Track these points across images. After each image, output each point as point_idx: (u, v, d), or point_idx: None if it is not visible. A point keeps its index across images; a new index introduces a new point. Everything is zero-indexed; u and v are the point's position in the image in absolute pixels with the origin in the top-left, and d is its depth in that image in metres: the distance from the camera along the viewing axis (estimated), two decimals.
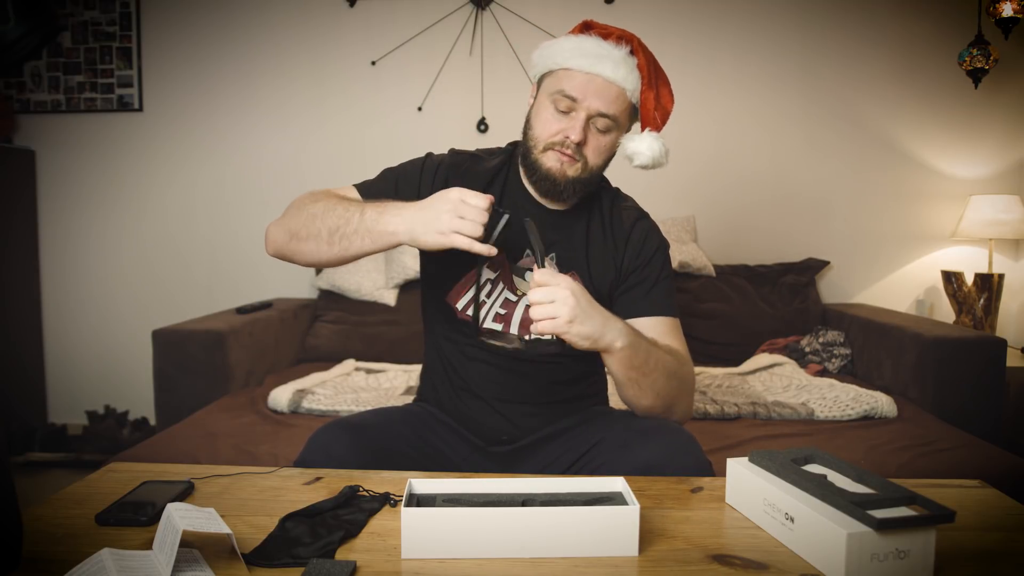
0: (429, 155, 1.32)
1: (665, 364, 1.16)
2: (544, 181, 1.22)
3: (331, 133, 3.09)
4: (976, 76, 2.65)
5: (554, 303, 1.03)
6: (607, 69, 1.17)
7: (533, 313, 1.04)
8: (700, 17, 2.99)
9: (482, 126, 3.02)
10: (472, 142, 3.01)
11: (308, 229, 1.16)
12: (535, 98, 1.26)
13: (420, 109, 3.05)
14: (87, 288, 3.18)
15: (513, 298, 1.24)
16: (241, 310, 2.49)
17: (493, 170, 1.30)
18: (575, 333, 1.04)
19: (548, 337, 1.20)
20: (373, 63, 3.05)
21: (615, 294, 1.28)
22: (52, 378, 3.19)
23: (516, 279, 1.24)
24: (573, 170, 1.20)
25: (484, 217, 1.02)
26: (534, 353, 1.10)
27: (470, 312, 1.25)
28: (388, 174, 1.30)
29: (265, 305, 2.61)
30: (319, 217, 1.15)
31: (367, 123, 3.08)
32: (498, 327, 1.25)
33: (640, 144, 1.20)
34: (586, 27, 1.24)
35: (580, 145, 1.19)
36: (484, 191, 1.26)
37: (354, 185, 1.29)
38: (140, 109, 3.12)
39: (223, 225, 3.14)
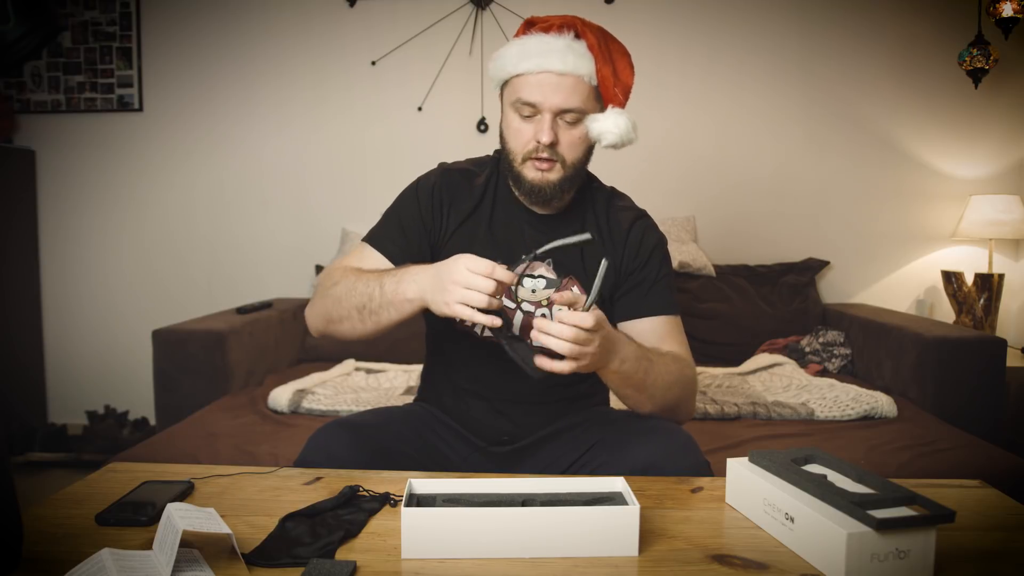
0: (419, 180, 1.32)
1: (664, 376, 1.16)
2: (531, 193, 1.22)
3: (331, 133, 3.09)
4: (976, 76, 2.65)
5: (586, 348, 1.00)
6: (555, 63, 1.15)
7: (560, 346, 0.98)
8: (700, 17, 2.99)
9: (482, 126, 3.02)
10: (472, 142, 3.03)
11: (339, 312, 1.18)
12: (502, 110, 1.26)
13: (420, 109, 3.05)
14: (87, 288, 3.18)
15: (511, 305, 1.24)
16: (241, 310, 2.49)
17: (482, 186, 1.30)
18: (583, 368, 1.03)
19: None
20: (373, 63, 3.05)
21: (615, 296, 1.28)
22: (52, 378, 3.19)
23: (514, 287, 1.24)
24: (554, 173, 1.20)
25: (491, 287, 0.99)
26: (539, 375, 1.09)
27: (467, 323, 1.24)
28: (391, 216, 1.30)
29: (265, 305, 2.61)
30: (344, 299, 1.16)
31: (367, 123, 3.08)
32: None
33: (605, 123, 1.18)
34: (528, 25, 1.23)
35: (553, 145, 1.18)
36: (476, 208, 1.27)
37: (364, 240, 1.28)
38: (140, 109, 3.12)
39: (223, 225, 3.14)
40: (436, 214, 1.27)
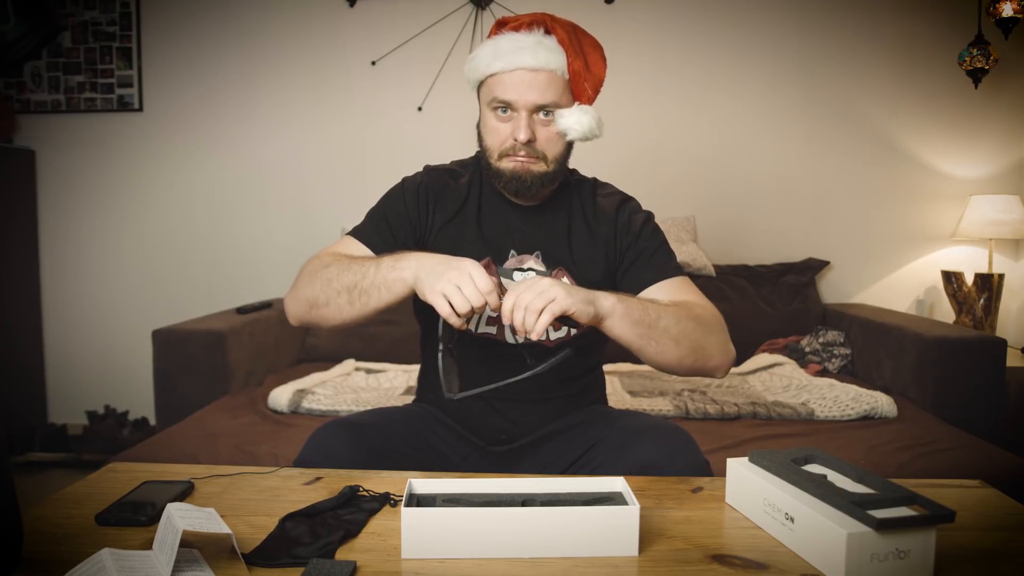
0: (404, 180, 1.33)
1: (669, 311, 1.14)
2: (512, 183, 1.21)
3: (331, 133, 3.09)
4: (976, 76, 2.65)
5: (542, 292, 1.01)
6: (527, 59, 1.16)
7: (533, 307, 1.00)
8: (701, 17, 2.99)
9: None
10: (472, 142, 2.99)
11: (326, 294, 1.15)
12: (479, 111, 1.26)
13: (420, 109, 3.05)
14: (87, 288, 3.18)
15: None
16: (241, 310, 2.49)
17: (466, 185, 1.30)
18: (576, 300, 1.02)
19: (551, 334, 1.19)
20: (373, 63, 3.05)
21: (618, 276, 1.28)
22: (52, 378, 3.19)
23: (505, 280, 1.24)
24: (537, 167, 1.21)
25: (479, 301, 1.00)
26: (543, 352, 1.09)
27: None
28: (376, 215, 1.30)
29: (265, 305, 2.61)
30: (335, 279, 1.15)
31: (367, 123, 3.08)
32: (492, 330, 1.25)
33: (569, 119, 1.19)
34: (500, 26, 1.24)
35: (531, 143, 1.18)
36: (462, 208, 1.28)
37: (349, 234, 1.28)
38: (140, 109, 3.12)
39: (223, 225, 3.14)
40: (422, 211, 1.28)
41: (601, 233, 1.29)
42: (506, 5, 2.95)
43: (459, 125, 3.02)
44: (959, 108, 2.95)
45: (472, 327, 1.25)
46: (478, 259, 1.23)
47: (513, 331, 1.25)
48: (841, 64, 2.97)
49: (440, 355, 1.07)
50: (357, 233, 1.28)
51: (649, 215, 1.33)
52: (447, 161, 1.38)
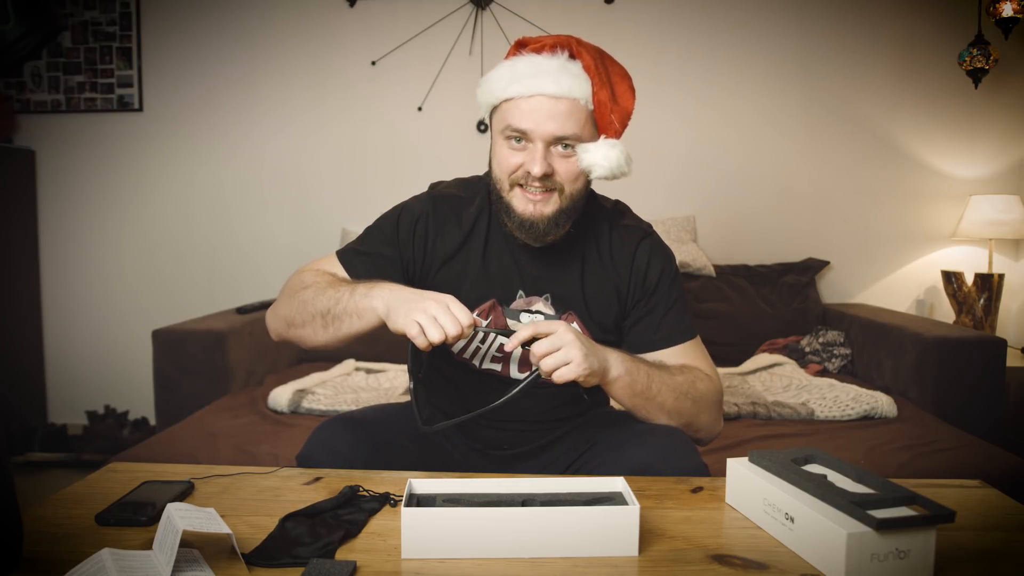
0: (405, 206, 1.25)
1: (671, 385, 1.13)
2: (522, 229, 1.13)
3: (331, 133, 3.09)
4: (976, 76, 2.65)
5: (562, 348, 1.00)
6: (548, 85, 1.07)
7: (546, 365, 1.00)
8: (701, 17, 2.99)
9: (482, 126, 3.02)
10: (472, 142, 3.03)
11: (302, 315, 1.13)
12: (491, 137, 1.18)
13: (420, 109, 3.05)
14: (87, 288, 3.18)
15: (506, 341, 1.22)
16: (241, 310, 2.49)
17: (472, 218, 1.21)
18: (589, 370, 1.02)
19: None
20: (373, 63, 3.05)
21: (625, 326, 1.24)
22: (52, 378, 3.19)
23: (510, 321, 1.20)
24: (550, 206, 1.12)
25: (455, 330, 0.97)
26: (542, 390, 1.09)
27: (467, 355, 1.22)
28: (366, 238, 1.25)
29: (265, 305, 2.60)
30: (310, 302, 1.12)
31: (367, 123, 3.08)
32: (497, 367, 1.22)
33: (595, 155, 1.09)
34: (519, 46, 1.14)
35: (548, 176, 1.10)
36: (466, 241, 1.21)
37: (337, 253, 1.24)
38: (140, 109, 3.12)
39: (223, 225, 3.14)
40: (418, 246, 1.21)
41: (615, 275, 1.22)
42: (506, 5, 2.95)
43: (459, 125, 3.03)
44: (959, 108, 2.95)
45: (477, 363, 1.22)
46: (482, 300, 1.20)
47: (519, 367, 1.22)
48: (841, 64, 2.97)
49: (412, 387, 1.05)
50: (343, 256, 1.23)
51: (668, 261, 1.23)
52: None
